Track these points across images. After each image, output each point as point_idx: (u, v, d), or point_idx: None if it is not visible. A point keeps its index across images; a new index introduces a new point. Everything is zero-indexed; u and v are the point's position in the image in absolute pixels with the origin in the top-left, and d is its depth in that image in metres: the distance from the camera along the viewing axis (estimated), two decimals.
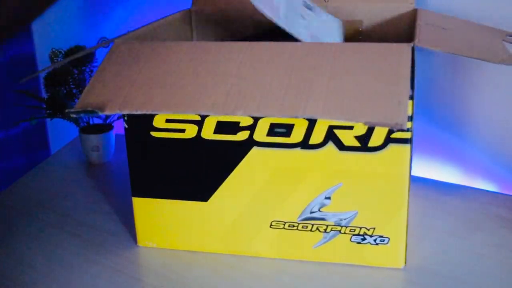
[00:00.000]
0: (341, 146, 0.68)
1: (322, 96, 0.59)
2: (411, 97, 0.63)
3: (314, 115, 0.58)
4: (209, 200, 0.74)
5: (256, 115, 0.59)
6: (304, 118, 0.67)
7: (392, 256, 0.72)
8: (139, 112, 0.61)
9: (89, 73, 1.08)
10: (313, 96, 0.59)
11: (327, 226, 0.72)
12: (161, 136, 0.72)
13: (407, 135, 0.65)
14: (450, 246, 0.77)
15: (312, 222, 0.72)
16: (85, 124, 1.09)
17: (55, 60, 1.06)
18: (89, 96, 0.64)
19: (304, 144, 0.68)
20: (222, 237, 0.76)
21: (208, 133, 0.70)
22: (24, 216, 0.90)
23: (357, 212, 0.70)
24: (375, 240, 0.71)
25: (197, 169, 0.73)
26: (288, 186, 0.71)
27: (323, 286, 0.70)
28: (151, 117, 0.71)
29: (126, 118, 0.72)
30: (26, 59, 1.31)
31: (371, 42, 0.67)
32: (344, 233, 0.72)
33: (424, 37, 0.66)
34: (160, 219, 0.77)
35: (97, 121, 1.12)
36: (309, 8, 0.74)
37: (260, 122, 0.69)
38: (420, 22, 0.72)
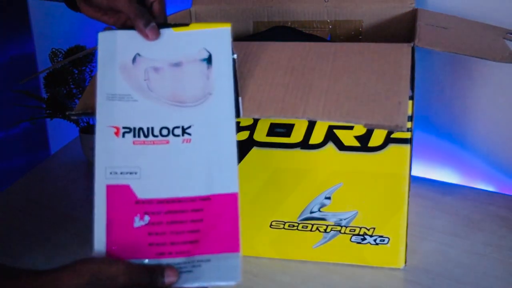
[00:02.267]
0: (341, 146, 0.68)
1: (322, 97, 0.59)
2: (411, 97, 0.63)
3: (314, 117, 0.58)
4: None
5: (256, 116, 0.59)
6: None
7: (392, 256, 0.72)
8: None
9: (89, 73, 1.08)
10: (313, 97, 0.59)
11: (327, 226, 0.72)
12: None
13: (407, 135, 0.65)
14: (450, 246, 0.77)
15: (312, 222, 0.72)
16: (85, 124, 1.09)
17: (55, 60, 1.06)
18: (89, 98, 0.64)
19: (304, 144, 0.68)
20: None
21: None
22: (24, 216, 0.90)
23: (357, 212, 0.70)
24: (375, 240, 0.71)
25: None
26: (288, 186, 0.71)
27: (323, 286, 0.70)
28: None
29: None
30: (26, 59, 1.31)
31: (371, 42, 0.67)
32: (344, 233, 0.72)
33: (424, 37, 0.66)
34: None
35: None
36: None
37: (260, 122, 0.68)
38: (420, 22, 0.72)
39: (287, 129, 0.68)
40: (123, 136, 0.57)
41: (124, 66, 0.59)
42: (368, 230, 0.71)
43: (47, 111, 1.05)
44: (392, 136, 0.66)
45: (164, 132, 0.57)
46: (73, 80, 1.05)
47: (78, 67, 1.06)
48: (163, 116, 0.58)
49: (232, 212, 0.54)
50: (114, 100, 0.58)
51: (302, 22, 0.92)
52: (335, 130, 0.67)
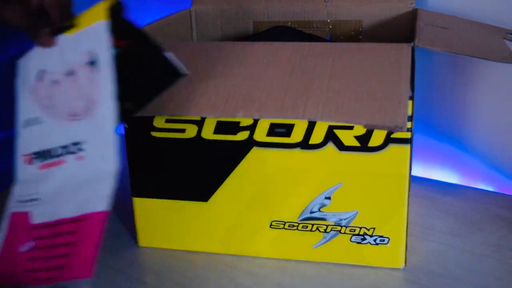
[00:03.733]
0: (341, 146, 0.68)
1: (322, 97, 0.59)
2: (411, 97, 0.63)
3: (314, 117, 0.58)
4: (209, 200, 0.74)
5: (256, 117, 0.59)
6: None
7: (392, 256, 0.72)
8: (138, 115, 0.61)
9: None
10: (313, 98, 0.59)
11: (327, 226, 0.72)
12: (161, 136, 0.72)
13: (407, 135, 0.65)
14: (450, 246, 0.77)
15: (312, 222, 0.72)
16: None
17: None
18: None
19: (304, 144, 0.68)
20: (222, 237, 0.76)
21: (208, 133, 0.70)
22: None
23: (357, 212, 0.70)
24: (375, 240, 0.71)
25: (197, 169, 0.73)
26: (288, 186, 0.71)
27: (323, 286, 0.70)
28: (151, 117, 0.71)
29: None
30: None
31: (371, 42, 0.67)
32: (344, 233, 0.72)
33: (424, 37, 0.66)
34: (160, 219, 0.77)
35: None
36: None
37: (260, 122, 0.68)
38: (420, 22, 0.72)
39: (287, 129, 0.68)
40: (33, 162, 0.55)
41: (33, 87, 0.55)
42: (368, 230, 0.71)
43: None
44: (392, 136, 0.66)
45: (63, 151, 0.53)
46: None
47: None
48: (63, 133, 0.53)
49: (94, 234, 0.49)
50: (27, 126, 0.55)
51: (302, 22, 0.92)
52: (335, 130, 0.67)
